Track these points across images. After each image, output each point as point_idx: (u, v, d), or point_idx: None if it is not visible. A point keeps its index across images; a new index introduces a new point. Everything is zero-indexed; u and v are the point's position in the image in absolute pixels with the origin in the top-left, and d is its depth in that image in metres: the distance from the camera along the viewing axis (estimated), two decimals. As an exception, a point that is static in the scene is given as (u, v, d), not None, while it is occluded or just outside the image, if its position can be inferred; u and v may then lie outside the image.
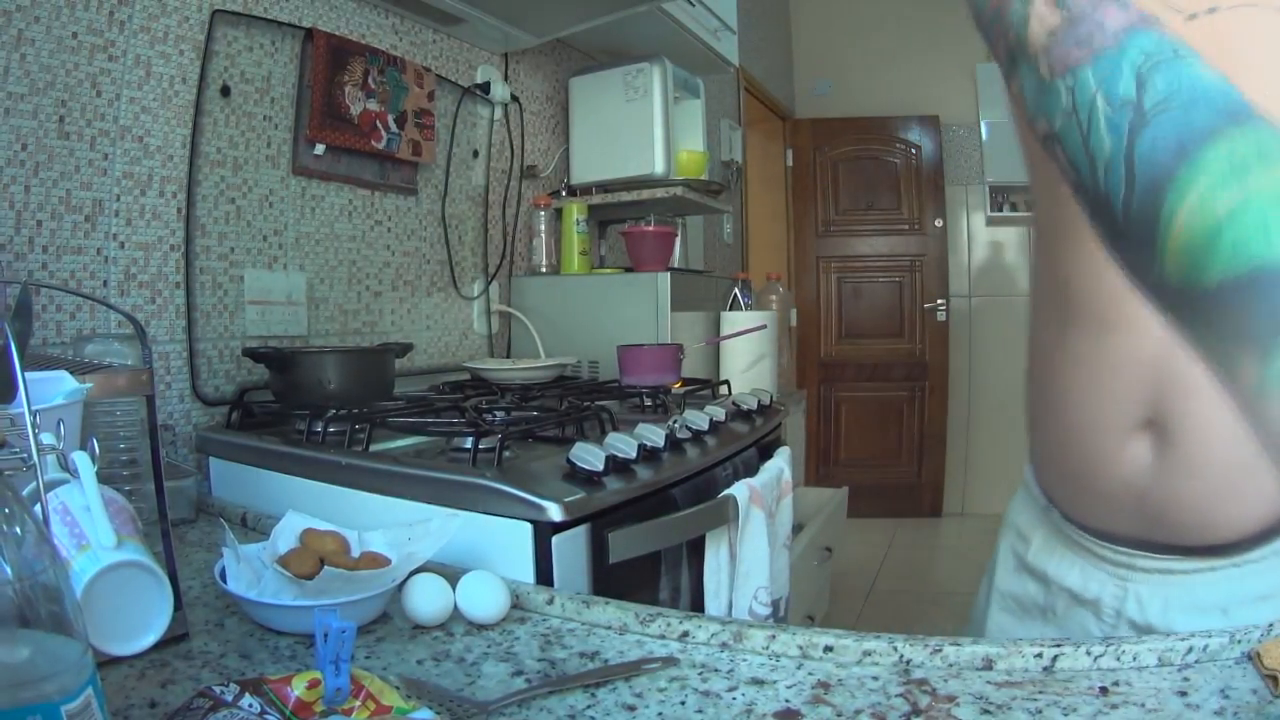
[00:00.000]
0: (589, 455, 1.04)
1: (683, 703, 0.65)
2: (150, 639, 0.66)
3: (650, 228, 2.17)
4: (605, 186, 2.31)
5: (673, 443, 1.21)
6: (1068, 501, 0.84)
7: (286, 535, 0.88)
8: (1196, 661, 0.67)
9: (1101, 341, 0.68)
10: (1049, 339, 0.79)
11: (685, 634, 0.78)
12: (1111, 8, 0.44)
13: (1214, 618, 0.73)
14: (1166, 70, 0.40)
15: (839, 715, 0.62)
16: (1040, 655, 0.68)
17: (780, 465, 1.42)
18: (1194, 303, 0.37)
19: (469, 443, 1.09)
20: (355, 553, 0.88)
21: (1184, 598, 0.74)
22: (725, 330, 2.19)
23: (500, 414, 1.33)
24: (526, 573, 0.95)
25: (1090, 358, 0.70)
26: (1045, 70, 0.45)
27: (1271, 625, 0.68)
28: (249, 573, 0.83)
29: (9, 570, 0.40)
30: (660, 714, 0.63)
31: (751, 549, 1.23)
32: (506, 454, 1.06)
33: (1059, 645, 0.68)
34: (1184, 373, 0.63)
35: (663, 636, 0.78)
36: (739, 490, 1.23)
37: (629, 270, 2.21)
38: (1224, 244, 0.35)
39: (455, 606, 0.81)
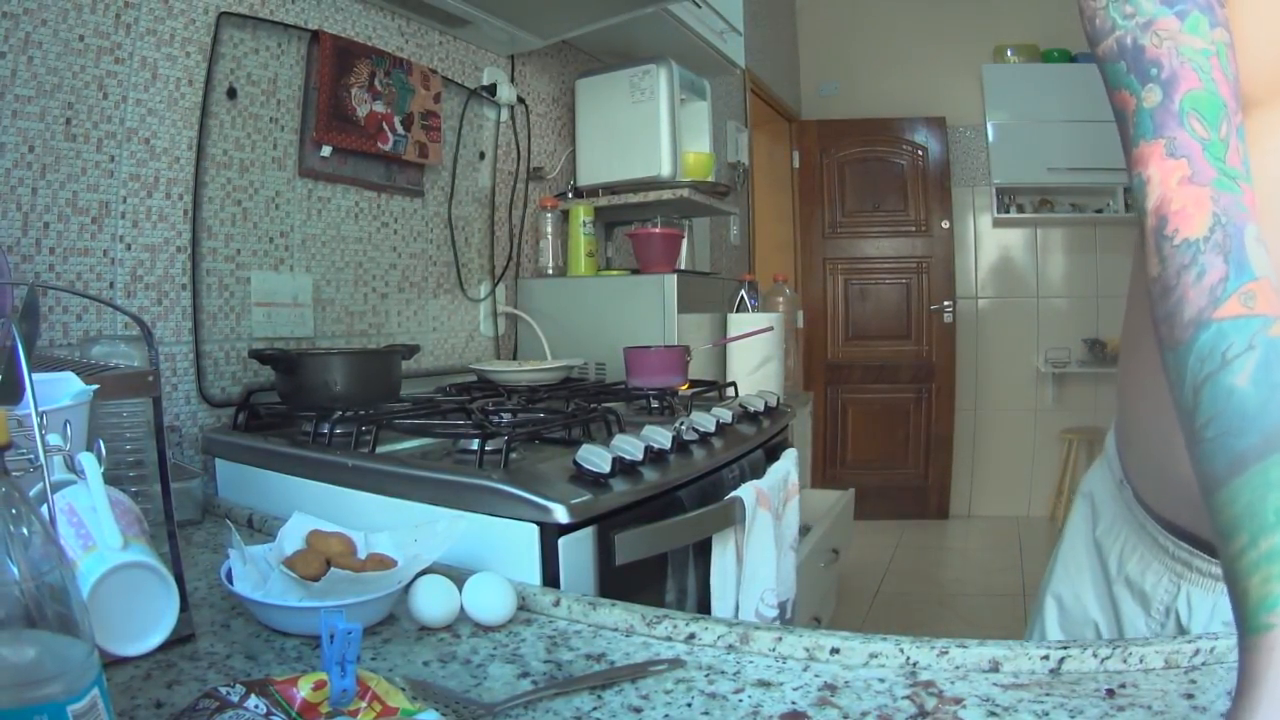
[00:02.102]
0: (595, 457, 1.04)
1: (689, 705, 0.64)
2: (156, 640, 0.66)
3: (657, 229, 2.17)
4: (612, 188, 2.31)
5: (679, 445, 1.21)
6: (1142, 482, 0.82)
7: (292, 537, 0.88)
8: (1204, 664, 0.67)
9: None
10: (1144, 321, 0.73)
11: (691, 636, 0.78)
12: (1189, 278, 0.52)
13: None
14: (1211, 387, 0.49)
15: (845, 717, 0.62)
16: (1047, 657, 0.67)
17: (787, 467, 1.41)
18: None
19: (475, 444, 1.09)
20: (361, 554, 0.88)
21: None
22: (732, 332, 2.19)
23: (506, 416, 1.33)
24: (533, 574, 0.94)
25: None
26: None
27: None
28: (255, 574, 0.83)
29: (16, 571, 0.40)
30: (666, 716, 0.63)
31: (758, 551, 1.23)
32: (513, 456, 1.06)
33: (1065, 647, 0.68)
34: None
35: (669, 638, 0.78)
36: (745, 492, 1.23)
37: (635, 272, 2.21)
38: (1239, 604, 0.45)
39: (461, 608, 0.81)
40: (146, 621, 0.66)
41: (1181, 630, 0.77)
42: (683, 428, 1.27)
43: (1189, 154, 0.56)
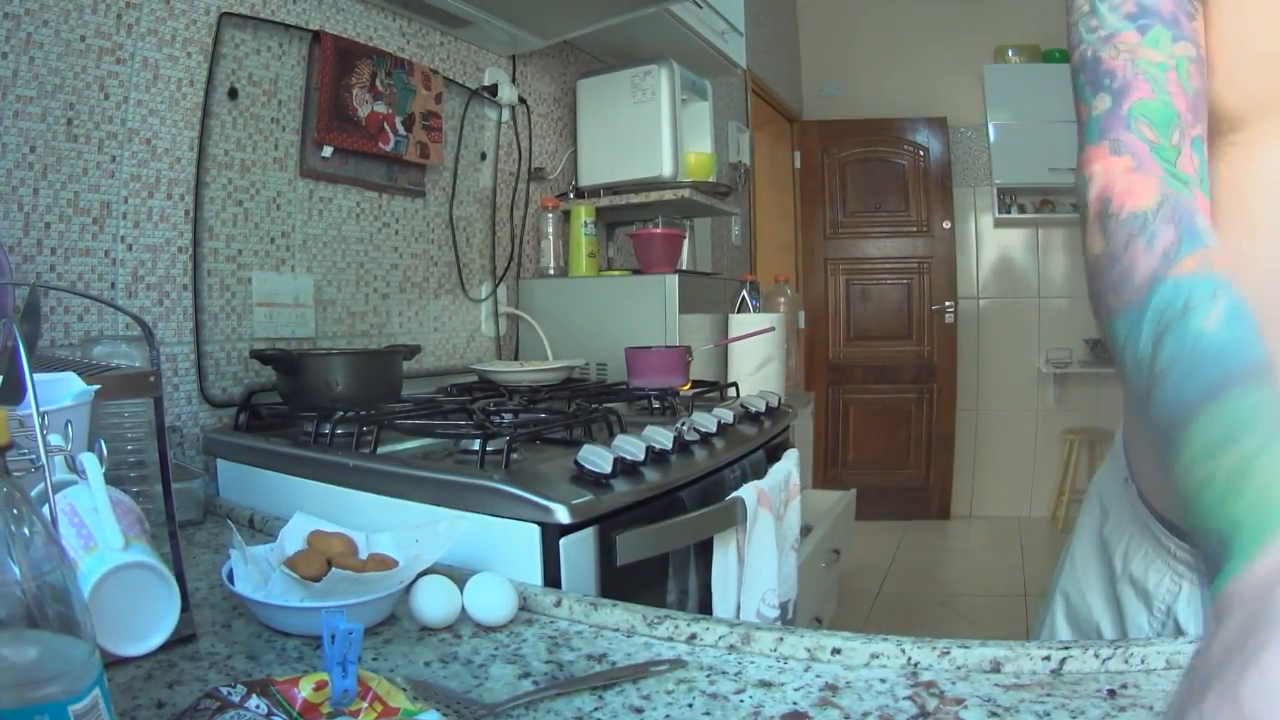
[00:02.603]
0: (597, 457, 1.04)
1: (690, 705, 0.64)
2: (157, 640, 0.66)
3: (658, 230, 2.17)
4: (613, 189, 2.31)
5: (680, 445, 1.21)
6: (1146, 479, 0.81)
7: (294, 537, 0.88)
8: (1207, 664, 0.66)
9: None
10: None
11: (693, 636, 0.78)
12: (1139, 246, 0.51)
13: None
14: (1175, 333, 0.47)
15: (847, 718, 0.62)
16: (1048, 658, 0.67)
17: (788, 467, 1.41)
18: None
19: (477, 445, 1.09)
20: (363, 554, 0.88)
21: None
22: (733, 332, 2.19)
23: (508, 416, 1.33)
24: (534, 575, 0.94)
25: None
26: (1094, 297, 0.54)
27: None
28: (256, 574, 0.83)
29: (17, 571, 0.40)
30: (668, 716, 0.63)
31: (759, 551, 1.23)
32: (514, 456, 1.06)
33: (1067, 648, 0.68)
34: None
35: (670, 639, 0.78)
36: (747, 493, 1.22)
37: (637, 272, 2.21)
38: (1194, 509, 0.42)
39: (463, 608, 0.81)
40: (148, 622, 0.66)
41: (1180, 631, 0.76)
42: (684, 428, 1.27)
43: (1135, 151, 0.57)
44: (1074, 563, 0.93)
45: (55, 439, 0.61)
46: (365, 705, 0.58)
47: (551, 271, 2.26)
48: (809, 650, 0.73)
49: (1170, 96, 0.57)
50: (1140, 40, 0.59)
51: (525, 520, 0.96)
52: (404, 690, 0.60)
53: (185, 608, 0.70)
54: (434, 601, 0.80)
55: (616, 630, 0.81)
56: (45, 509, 0.57)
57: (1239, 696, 0.32)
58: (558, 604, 0.85)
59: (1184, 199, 0.54)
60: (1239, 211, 0.58)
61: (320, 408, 1.30)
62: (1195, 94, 0.58)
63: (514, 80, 2.22)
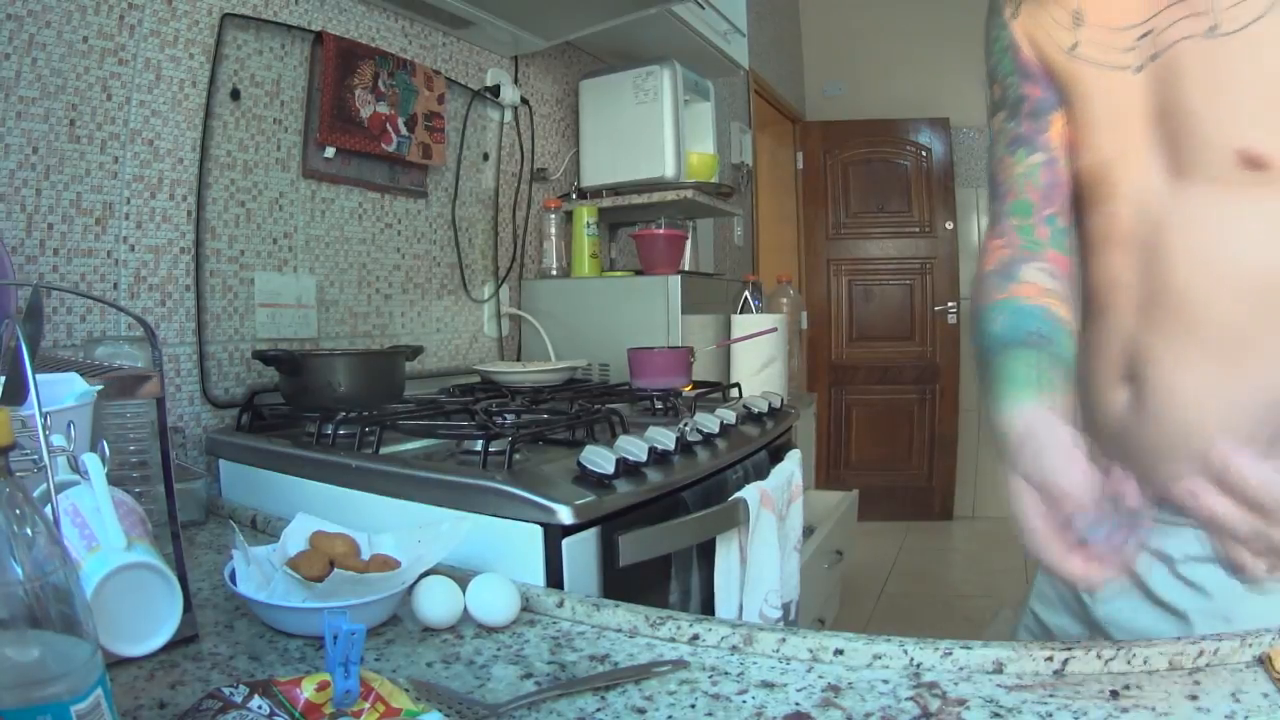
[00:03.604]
0: (599, 458, 1.04)
1: (693, 706, 0.64)
2: (160, 640, 0.66)
3: (661, 230, 2.17)
4: (615, 189, 2.31)
5: (683, 446, 1.21)
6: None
7: (296, 537, 0.88)
8: (1207, 665, 0.66)
9: (1098, 320, 0.89)
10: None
11: (695, 637, 0.78)
12: (982, 289, 0.90)
13: (1163, 566, 0.83)
14: (982, 328, 0.86)
15: (849, 718, 0.62)
16: (1051, 658, 0.67)
17: (791, 468, 1.41)
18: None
19: (479, 445, 1.09)
20: (365, 555, 0.88)
21: (1152, 541, 0.82)
22: (736, 333, 2.19)
23: (510, 417, 1.33)
24: (536, 575, 0.94)
25: (1093, 329, 0.89)
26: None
27: (1288, 629, 0.67)
28: (259, 575, 0.83)
29: (20, 571, 0.40)
30: (670, 717, 0.62)
31: (762, 552, 1.23)
32: (517, 457, 1.06)
33: (1069, 649, 0.68)
34: (1150, 344, 0.79)
35: (673, 639, 0.78)
36: (749, 493, 1.22)
37: (639, 273, 2.21)
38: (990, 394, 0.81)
39: (465, 609, 0.81)
40: (150, 622, 0.66)
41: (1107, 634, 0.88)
42: (686, 429, 1.27)
43: (1006, 233, 0.90)
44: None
45: (58, 439, 0.61)
46: (367, 706, 0.58)
47: (554, 272, 2.26)
48: (811, 651, 0.73)
49: (1027, 194, 0.89)
50: (1012, 160, 0.91)
51: (528, 521, 0.96)
52: (406, 691, 0.60)
53: (187, 608, 0.70)
54: (436, 602, 0.80)
55: (619, 631, 0.81)
56: (48, 509, 0.57)
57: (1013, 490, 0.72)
58: (560, 605, 0.85)
59: (1032, 256, 0.88)
60: (1107, 246, 0.85)
61: (323, 408, 1.31)
62: (1047, 185, 0.89)
63: (516, 81, 2.22)
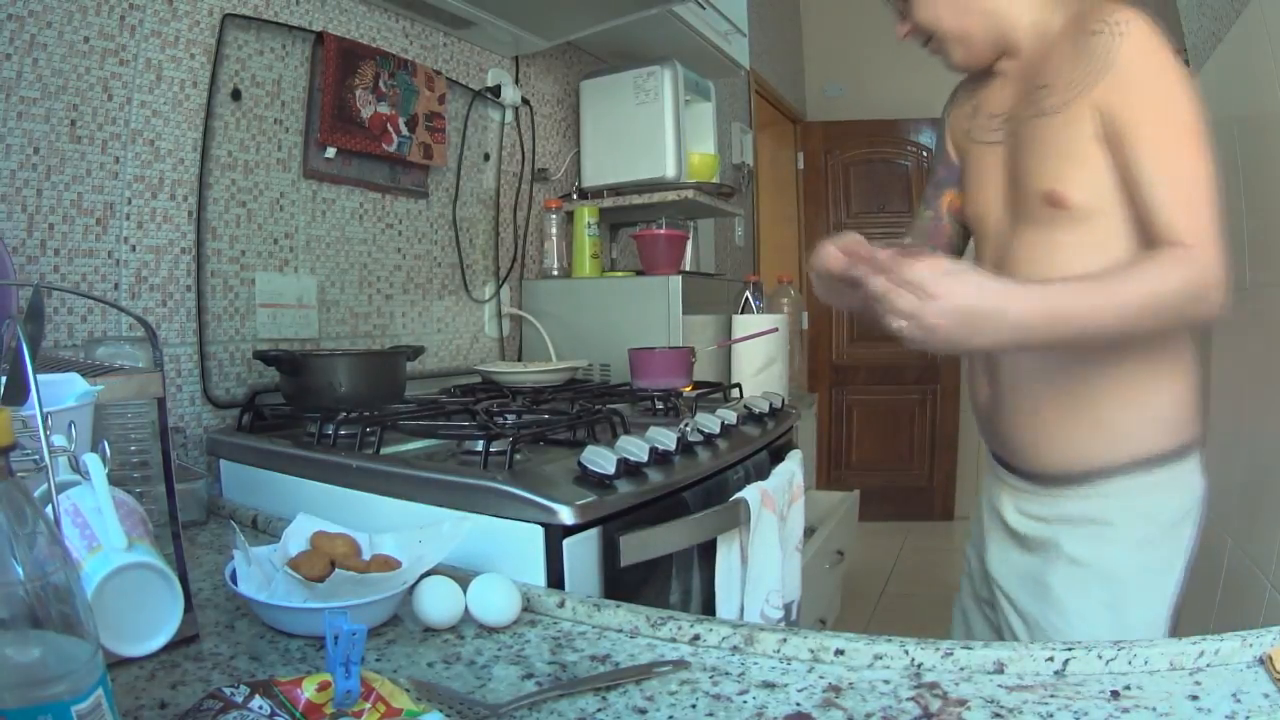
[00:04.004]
0: (600, 458, 1.04)
1: (694, 706, 0.64)
2: (161, 640, 0.66)
3: (661, 231, 2.17)
4: (616, 189, 2.31)
5: (684, 446, 1.21)
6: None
7: (297, 538, 0.88)
8: (1208, 665, 0.66)
9: None
10: None
11: (696, 637, 0.78)
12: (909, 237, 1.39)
13: (1036, 526, 1.15)
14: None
15: (850, 719, 0.61)
16: (1052, 659, 0.67)
17: (792, 468, 1.41)
18: None
19: (480, 446, 1.09)
20: (366, 555, 0.88)
21: (1023, 505, 1.18)
22: (737, 333, 2.19)
23: (511, 417, 1.33)
24: (537, 576, 0.94)
25: None
26: None
27: (1289, 629, 0.67)
28: (260, 575, 0.83)
29: (20, 571, 0.40)
30: (671, 717, 0.62)
31: (763, 552, 1.23)
32: (518, 457, 1.06)
33: (1070, 649, 0.68)
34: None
35: (674, 640, 0.78)
36: (750, 493, 1.22)
37: (640, 273, 2.21)
38: None
39: (466, 609, 0.81)
40: (151, 622, 0.66)
41: (1003, 529, 1.21)
42: (687, 429, 1.27)
43: (915, 228, 1.35)
44: (975, 521, 1.35)
45: (59, 439, 0.61)
46: (368, 706, 0.58)
47: (555, 272, 2.26)
48: (812, 651, 0.73)
49: (926, 229, 1.33)
50: (920, 211, 1.36)
51: (528, 521, 0.96)
52: (407, 691, 0.60)
53: (188, 608, 0.70)
54: (437, 602, 0.80)
55: (620, 631, 0.81)
56: (49, 509, 0.57)
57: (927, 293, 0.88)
58: (561, 605, 0.85)
59: (921, 235, 1.33)
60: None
61: (323, 408, 1.31)
62: (931, 232, 1.32)
63: (517, 81, 2.22)
